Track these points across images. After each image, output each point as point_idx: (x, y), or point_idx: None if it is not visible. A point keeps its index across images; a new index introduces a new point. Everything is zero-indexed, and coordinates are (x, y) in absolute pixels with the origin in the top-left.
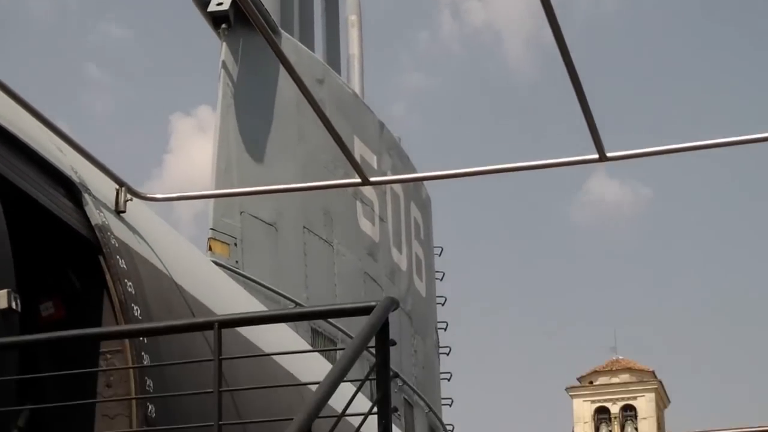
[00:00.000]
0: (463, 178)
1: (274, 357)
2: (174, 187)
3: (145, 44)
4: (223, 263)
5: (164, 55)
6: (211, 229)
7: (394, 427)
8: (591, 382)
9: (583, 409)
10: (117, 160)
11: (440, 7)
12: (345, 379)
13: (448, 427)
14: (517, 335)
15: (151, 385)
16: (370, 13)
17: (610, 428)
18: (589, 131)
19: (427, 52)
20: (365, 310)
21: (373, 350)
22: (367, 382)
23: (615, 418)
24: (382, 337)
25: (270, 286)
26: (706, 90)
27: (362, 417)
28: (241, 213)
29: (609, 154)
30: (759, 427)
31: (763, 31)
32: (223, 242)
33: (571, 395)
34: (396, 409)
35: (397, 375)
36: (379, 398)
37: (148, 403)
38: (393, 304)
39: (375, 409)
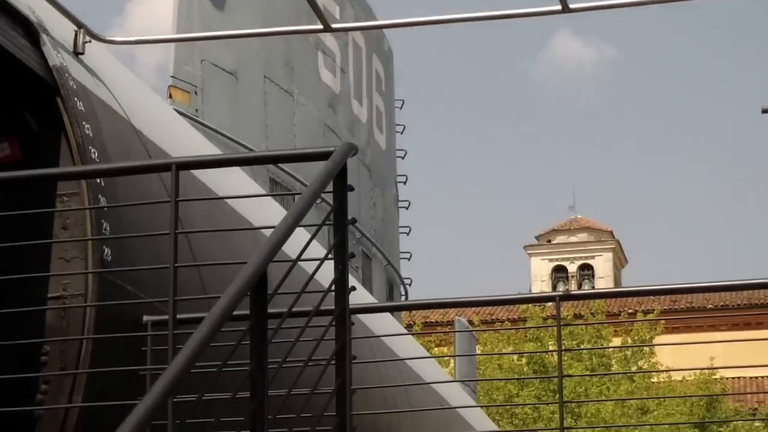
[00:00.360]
0: (424, 26)
1: (231, 204)
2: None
3: None
4: (183, 111)
5: None
6: (172, 76)
7: (351, 278)
8: (549, 241)
9: (541, 267)
10: (76, 6)
11: None
12: (302, 224)
13: (406, 281)
14: (476, 191)
15: (108, 228)
16: None
17: (567, 287)
18: None
19: None
20: (324, 155)
21: (331, 198)
22: (326, 234)
23: (572, 276)
24: (339, 182)
25: (230, 135)
26: None
27: (318, 262)
28: (201, 61)
29: (572, 6)
30: (707, 282)
31: None
32: (183, 90)
33: (528, 253)
34: (353, 255)
35: (354, 221)
36: (336, 243)
37: (104, 246)
38: (352, 149)
39: (332, 255)
